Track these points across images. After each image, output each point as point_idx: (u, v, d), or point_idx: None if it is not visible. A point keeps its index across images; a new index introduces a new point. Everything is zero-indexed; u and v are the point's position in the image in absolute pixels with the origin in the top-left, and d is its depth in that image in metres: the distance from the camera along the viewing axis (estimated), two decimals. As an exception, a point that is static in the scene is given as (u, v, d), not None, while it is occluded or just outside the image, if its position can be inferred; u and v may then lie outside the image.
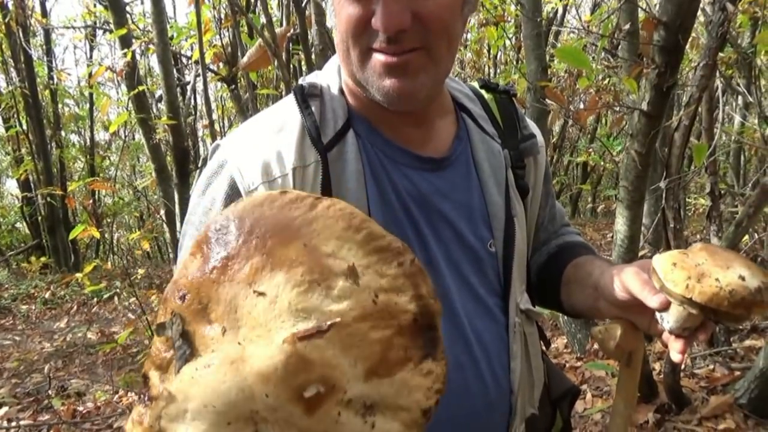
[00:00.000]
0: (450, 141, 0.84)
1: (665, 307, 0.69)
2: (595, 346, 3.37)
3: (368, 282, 0.48)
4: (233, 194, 0.74)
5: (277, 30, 1.51)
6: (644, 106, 1.79)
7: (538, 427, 0.90)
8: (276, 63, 1.45)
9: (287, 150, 0.74)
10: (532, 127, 0.92)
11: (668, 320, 0.69)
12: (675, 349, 0.70)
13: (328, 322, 0.46)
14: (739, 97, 5.31)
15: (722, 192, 3.41)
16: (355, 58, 0.72)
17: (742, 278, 0.65)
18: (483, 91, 0.91)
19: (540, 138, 0.91)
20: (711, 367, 2.70)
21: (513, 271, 0.83)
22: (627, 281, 0.73)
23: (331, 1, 0.73)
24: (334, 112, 0.78)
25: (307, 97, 0.77)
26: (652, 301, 0.69)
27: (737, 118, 5.49)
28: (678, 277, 0.67)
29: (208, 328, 0.49)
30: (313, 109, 0.77)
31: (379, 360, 0.47)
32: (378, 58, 0.70)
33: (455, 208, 0.80)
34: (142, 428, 0.49)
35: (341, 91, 0.80)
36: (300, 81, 0.82)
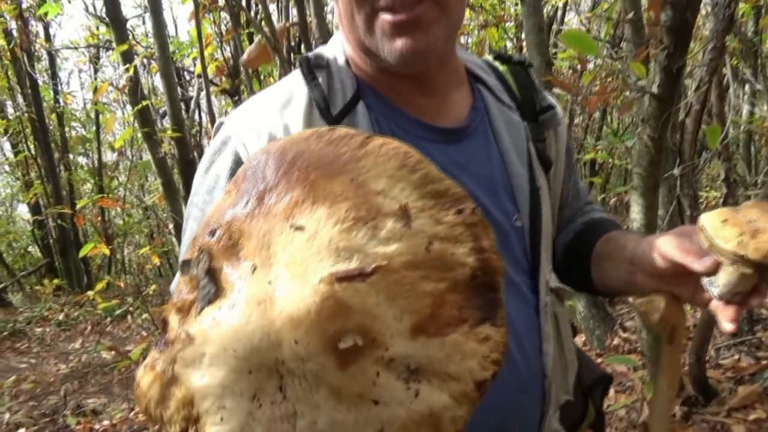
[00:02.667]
0: (466, 112, 0.80)
1: (713, 271, 0.63)
2: (615, 341, 3.30)
3: (422, 226, 0.43)
4: (238, 170, 0.71)
5: (276, 25, 1.49)
6: (654, 89, 1.75)
7: (571, 417, 0.85)
8: (276, 57, 1.43)
9: (294, 123, 0.71)
10: (551, 98, 0.88)
11: (717, 285, 0.64)
12: (726, 317, 0.64)
13: (373, 265, 0.41)
14: (746, 86, 5.25)
15: (736, 179, 3.35)
16: (361, 23, 0.69)
17: None
18: (497, 63, 0.87)
19: (559, 109, 0.87)
20: (736, 357, 2.64)
21: (541, 246, 0.79)
22: (667, 248, 0.68)
23: None
24: (343, 83, 0.74)
25: (313, 68, 0.74)
26: (698, 265, 0.64)
27: (746, 108, 5.43)
28: (729, 234, 0.61)
29: (237, 266, 0.44)
30: (320, 80, 0.74)
31: (429, 316, 0.41)
32: (385, 18, 0.67)
33: (475, 181, 0.76)
34: (153, 373, 0.44)
35: (347, 63, 0.77)
36: (305, 54, 0.79)
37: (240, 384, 0.41)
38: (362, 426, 0.40)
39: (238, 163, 0.71)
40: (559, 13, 7.78)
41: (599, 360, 3.11)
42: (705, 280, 0.66)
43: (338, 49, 0.78)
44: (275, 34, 1.42)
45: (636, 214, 2.10)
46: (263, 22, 1.46)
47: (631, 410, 2.45)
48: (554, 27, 7.65)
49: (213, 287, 0.44)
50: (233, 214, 0.46)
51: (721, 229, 0.62)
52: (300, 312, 0.40)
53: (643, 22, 2.76)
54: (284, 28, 1.57)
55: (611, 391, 2.72)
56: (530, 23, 3.14)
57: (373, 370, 0.40)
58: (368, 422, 0.40)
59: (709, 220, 0.64)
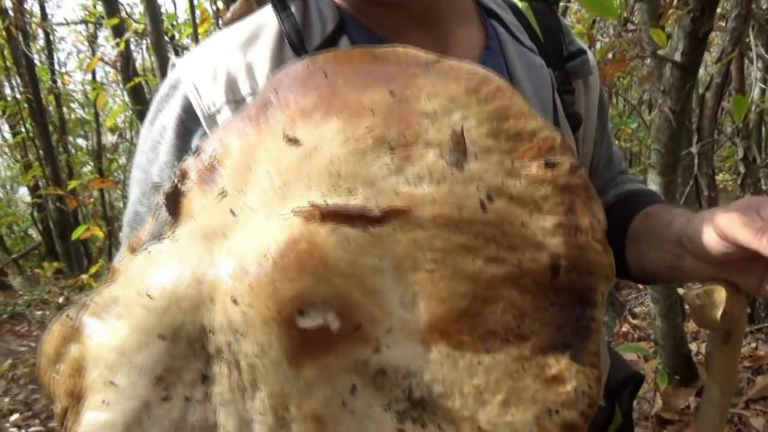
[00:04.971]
0: (477, 52, 0.66)
1: None
2: (624, 328, 3.18)
3: (482, 172, 0.27)
4: (188, 119, 0.58)
5: (262, -20, 1.35)
6: (677, 57, 1.61)
7: (596, 422, 0.73)
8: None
9: (260, 61, 0.59)
10: (581, 42, 0.74)
11: None
12: None
13: (386, 207, 0.26)
14: (759, 62, 5.09)
15: (755, 157, 3.20)
16: None
17: None
18: None
19: (591, 56, 0.73)
20: (753, 345, 2.52)
21: None
22: (730, 228, 0.52)
23: None
24: (321, 13, 0.62)
25: None
26: None
27: (758, 86, 5.26)
28: None
29: (207, 190, 0.31)
30: (293, 10, 0.61)
31: (463, 313, 0.25)
32: None
33: None
34: (59, 322, 0.31)
35: None
36: None
37: (144, 352, 0.27)
38: None
39: (187, 111, 0.59)
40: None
41: (608, 347, 3.01)
42: None
43: None
44: (258, -13, 1.28)
45: (653, 194, 1.97)
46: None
47: (643, 401, 2.34)
48: (561, 4, 7.47)
49: (169, 217, 0.30)
50: (228, 125, 0.34)
51: None
52: (251, 254, 0.25)
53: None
54: (269, -18, 1.44)
55: (621, 380, 2.61)
56: (539, -6, 2.98)
57: (347, 381, 0.25)
58: None
59: None
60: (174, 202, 0.30)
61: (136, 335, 0.26)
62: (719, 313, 0.55)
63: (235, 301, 0.25)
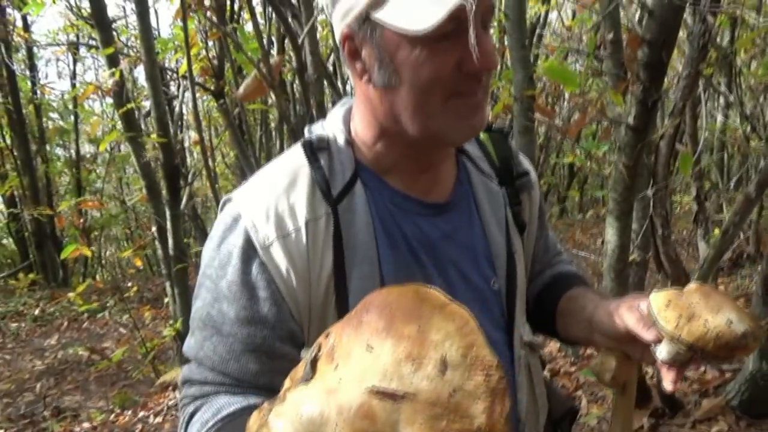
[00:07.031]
0: (451, 184, 0.87)
1: (658, 341, 0.75)
2: (589, 350, 3.41)
3: (452, 378, 0.54)
4: (249, 249, 0.76)
5: (271, 61, 1.53)
6: (630, 121, 1.83)
7: None
8: (272, 94, 1.47)
9: (299, 204, 0.77)
10: (526, 163, 0.97)
11: (661, 351, 0.75)
12: (668, 379, 0.75)
13: (404, 392, 0.53)
14: (720, 96, 5.42)
15: (707, 194, 3.48)
16: (436, 108, 0.73)
17: (730, 322, 0.70)
18: None
19: (533, 174, 0.96)
20: (702, 369, 2.75)
21: (516, 306, 0.88)
22: (623, 316, 0.79)
23: (383, 57, 0.73)
24: (342, 164, 0.80)
25: (315, 150, 0.80)
26: (647, 334, 0.75)
27: (720, 117, 5.60)
28: (670, 316, 0.72)
29: (330, 361, 0.59)
30: (322, 162, 0.80)
31: None
32: (464, 101, 0.73)
33: (460, 250, 0.84)
34: (258, 416, 0.58)
35: (347, 142, 0.82)
36: (307, 133, 0.85)
37: None
38: None
39: (248, 242, 0.76)
40: (542, 18, 7.90)
41: (573, 369, 3.22)
42: (652, 346, 0.76)
43: (338, 127, 0.84)
44: (271, 72, 1.46)
45: (611, 236, 2.19)
46: (260, 62, 1.50)
47: (603, 421, 2.56)
48: (536, 31, 7.77)
49: (311, 373, 0.59)
50: (342, 327, 0.62)
51: (663, 310, 0.73)
52: (344, 405, 0.53)
53: (622, 42, 2.84)
54: (279, 64, 1.61)
55: (583, 401, 2.82)
56: (514, 38, 3.21)
57: None
58: None
59: (656, 300, 0.75)
60: (314, 364, 0.59)
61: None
62: (610, 376, 0.80)
63: (336, 425, 0.53)
